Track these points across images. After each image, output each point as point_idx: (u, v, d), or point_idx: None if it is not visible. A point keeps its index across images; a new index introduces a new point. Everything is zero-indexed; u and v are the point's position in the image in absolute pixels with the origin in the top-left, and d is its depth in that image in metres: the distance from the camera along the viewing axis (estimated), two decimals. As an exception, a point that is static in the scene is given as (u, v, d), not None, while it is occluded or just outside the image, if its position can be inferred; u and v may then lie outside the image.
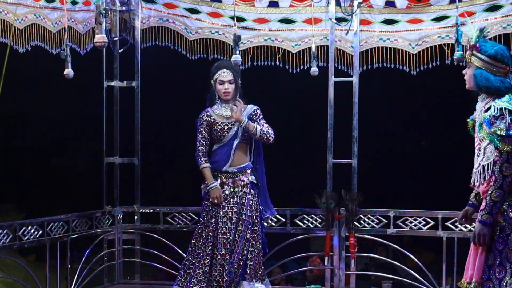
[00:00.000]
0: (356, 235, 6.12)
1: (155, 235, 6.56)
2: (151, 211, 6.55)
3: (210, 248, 5.37)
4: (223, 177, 5.45)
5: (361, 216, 6.15)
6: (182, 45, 6.46)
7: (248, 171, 5.50)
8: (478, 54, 3.92)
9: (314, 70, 6.03)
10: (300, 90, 8.78)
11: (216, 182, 5.42)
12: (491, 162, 3.87)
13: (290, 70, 6.38)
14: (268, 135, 5.43)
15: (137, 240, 6.56)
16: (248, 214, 5.41)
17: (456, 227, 5.96)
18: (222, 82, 5.43)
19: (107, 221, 6.42)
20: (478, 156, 3.98)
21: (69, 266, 5.96)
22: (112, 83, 6.54)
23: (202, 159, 5.47)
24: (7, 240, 5.39)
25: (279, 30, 6.39)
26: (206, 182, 5.44)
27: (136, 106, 6.54)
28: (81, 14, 6.09)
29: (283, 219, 6.29)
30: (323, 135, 6.25)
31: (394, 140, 10.25)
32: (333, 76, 6.22)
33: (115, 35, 6.37)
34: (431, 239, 6.42)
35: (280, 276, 6.95)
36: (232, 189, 5.43)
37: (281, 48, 6.38)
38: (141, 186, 6.58)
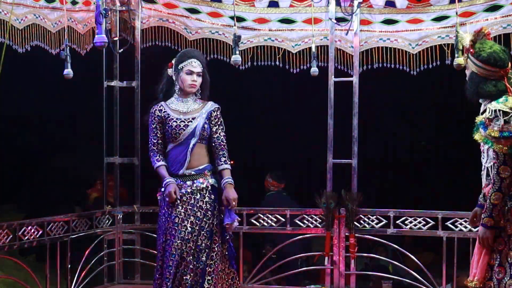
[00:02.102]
0: (356, 235, 6.12)
1: (155, 235, 6.56)
2: (151, 211, 6.54)
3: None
4: (180, 181, 4.95)
5: (361, 216, 6.15)
6: (182, 45, 6.45)
7: (208, 173, 4.98)
8: (472, 58, 3.90)
9: (314, 70, 6.02)
10: (300, 90, 8.79)
11: (173, 179, 4.92)
12: (492, 164, 3.86)
13: (290, 70, 6.38)
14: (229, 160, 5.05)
15: (137, 240, 6.56)
16: (205, 221, 4.89)
17: (456, 227, 5.96)
18: (191, 73, 4.97)
19: (107, 221, 6.42)
20: (483, 158, 3.98)
21: (69, 266, 5.96)
22: (112, 83, 6.53)
23: (156, 157, 5.00)
24: (7, 240, 5.39)
25: (279, 30, 6.39)
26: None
27: (136, 106, 6.54)
28: (81, 14, 6.09)
29: (283, 219, 6.29)
30: (323, 135, 6.24)
31: (394, 140, 10.26)
32: (333, 76, 6.22)
33: (115, 35, 6.36)
34: (431, 239, 6.42)
35: (280, 276, 6.95)
36: (190, 194, 4.92)
37: (281, 48, 6.38)
38: (141, 186, 6.58)
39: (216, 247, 4.91)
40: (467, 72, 3.99)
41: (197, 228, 4.87)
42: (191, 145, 4.93)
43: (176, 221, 4.89)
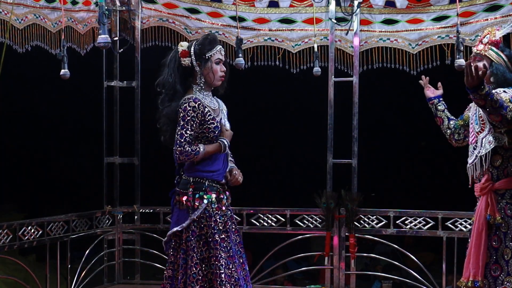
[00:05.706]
0: (356, 235, 6.12)
1: (155, 235, 6.57)
2: (151, 211, 6.55)
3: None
4: (221, 191, 4.22)
5: (361, 216, 6.15)
6: (182, 45, 6.45)
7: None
8: (498, 51, 4.01)
9: (317, 70, 6.04)
10: (300, 90, 8.80)
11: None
12: (489, 152, 3.90)
13: (290, 70, 6.38)
14: None
15: (137, 240, 6.56)
16: (239, 236, 4.32)
17: (456, 227, 5.96)
18: (220, 62, 4.15)
19: (107, 221, 6.42)
20: (474, 149, 4.02)
21: (69, 266, 5.96)
22: (112, 83, 6.54)
23: (193, 146, 4.07)
24: (7, 240, 5.39)
25: (279, 30, 6.39)
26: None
27: (136, 106, 6.54)
28: (81, 14, 6.09)
29: (283, 219, 6.29)
30: (323, 135, 6.25)
31: (394, 140, 10.27)
32: (333, 76, 6.22)
33: (115, 35, 6.37)
34: (431, 239, 6.42)
35: (280, 276, 6.96)
36: (228, 208, 4.24)
37: (281, 48, 6.38)
38: (141, 186, 6.59)
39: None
40: (482, 62, 4.01)
41: (240, 246, 4.29)
42: (227, 149, 4.24)
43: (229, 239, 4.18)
